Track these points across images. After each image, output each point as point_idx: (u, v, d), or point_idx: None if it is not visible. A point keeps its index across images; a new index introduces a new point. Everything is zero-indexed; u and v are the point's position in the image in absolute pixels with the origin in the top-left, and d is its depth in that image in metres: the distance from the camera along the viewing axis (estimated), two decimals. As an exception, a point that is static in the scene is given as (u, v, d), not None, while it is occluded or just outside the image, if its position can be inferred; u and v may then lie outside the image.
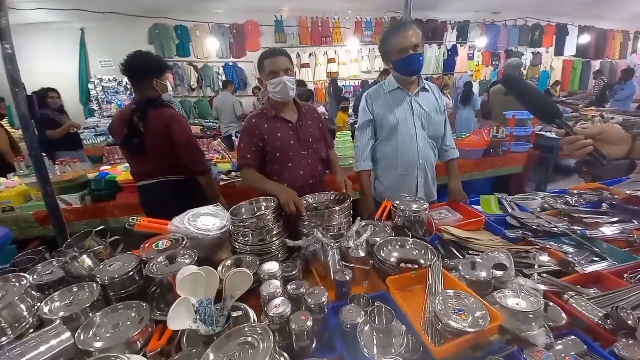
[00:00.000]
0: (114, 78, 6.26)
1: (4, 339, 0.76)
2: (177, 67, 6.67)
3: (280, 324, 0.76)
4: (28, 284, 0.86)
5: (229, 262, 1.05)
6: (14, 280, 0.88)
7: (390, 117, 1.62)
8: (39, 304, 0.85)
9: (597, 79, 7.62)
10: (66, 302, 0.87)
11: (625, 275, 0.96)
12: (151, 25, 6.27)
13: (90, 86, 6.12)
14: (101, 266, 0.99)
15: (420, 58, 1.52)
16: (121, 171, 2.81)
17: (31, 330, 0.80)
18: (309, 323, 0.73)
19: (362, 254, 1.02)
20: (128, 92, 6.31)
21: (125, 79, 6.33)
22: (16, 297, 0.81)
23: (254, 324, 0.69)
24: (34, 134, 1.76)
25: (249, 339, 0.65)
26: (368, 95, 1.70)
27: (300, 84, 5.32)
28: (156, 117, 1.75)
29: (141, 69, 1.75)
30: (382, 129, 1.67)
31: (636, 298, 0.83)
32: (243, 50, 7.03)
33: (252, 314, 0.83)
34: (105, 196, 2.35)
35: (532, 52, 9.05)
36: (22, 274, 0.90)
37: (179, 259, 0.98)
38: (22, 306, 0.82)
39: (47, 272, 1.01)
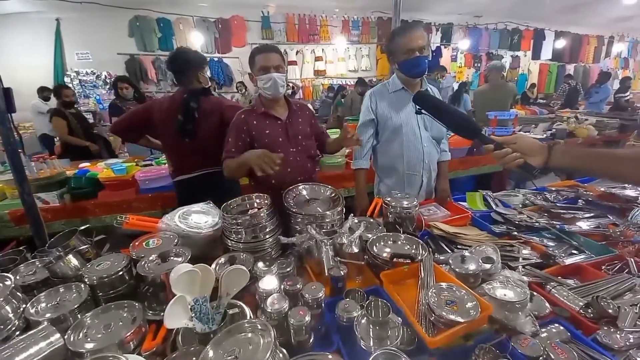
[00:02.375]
0: (92, 71, 5.99)
1: (-12, 342, 0.73)
2: (159, 61, 6.47)
3: (278, 319, 0.76)
4: (13, 285, 0.82)
5: (222, 259, 1.04)
6: (-3, 281, 0.84)
7: (394, 118, 1.63)
8: (24, 306, 0.81)
9: (566, 82, 7.92)
10: (53, 303, 0.84)
11: (604, 267, 1.02)
12: (132, 17, 6.03)
13: (67, 80, 5.82)
14: (89, 266, 0.96)
15: (426, 60, 1.52)
16: (102, 169, 2.71)
17: (17, 333, 0.76)
18: (307, 318, 0.74)
19: (356, 250, 1.04)
20: (107, 87, 6.05)
21: (105, 73, 6.10)
22: (1, 299, 0.77)
23: (253, 320, 0.69)
24: (10, 128, 1.67)
25: (249, 335, 0.65)
26: (372, 94, 1.70)
27: (361, 82, 5.23)
28: (210, 103, 1.86)
29: (187, 63, 1.84)
30: (386, 130, 1.67)
31: (615, 288, 0.89)
32: (229, 45, 6.91)
33: (248, 311, 0.83)
34: (85, 194, 2.26)
35: (511, 56, 9.39)
36: (6, 274, 0.86)
37: (172, 258, 0.97)
38: (8, 308, 0.78)
39: (31, 272, 0.98)
